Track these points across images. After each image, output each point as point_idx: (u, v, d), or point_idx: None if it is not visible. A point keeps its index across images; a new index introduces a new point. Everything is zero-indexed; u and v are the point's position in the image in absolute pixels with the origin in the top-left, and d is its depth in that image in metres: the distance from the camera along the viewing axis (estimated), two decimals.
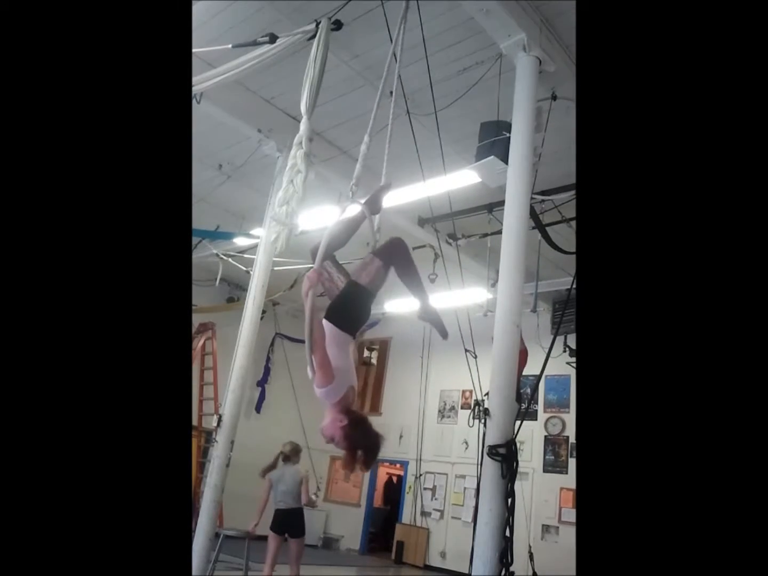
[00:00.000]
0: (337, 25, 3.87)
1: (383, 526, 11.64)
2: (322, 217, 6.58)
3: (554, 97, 4.71)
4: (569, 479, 8.72)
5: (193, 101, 4.95)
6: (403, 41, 3.46)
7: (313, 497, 5.77)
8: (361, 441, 2.47)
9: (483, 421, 3.39)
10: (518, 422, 3.42)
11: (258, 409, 11.20)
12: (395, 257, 2.79)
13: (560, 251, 5.79)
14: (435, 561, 9.85)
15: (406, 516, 10.53)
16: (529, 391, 9.02)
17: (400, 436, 11.05)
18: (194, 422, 9.03)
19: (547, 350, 3.80)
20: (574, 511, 8.21)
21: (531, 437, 9.17)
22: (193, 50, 2.84)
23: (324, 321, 2.58)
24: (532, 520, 8.73)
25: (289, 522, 5.43)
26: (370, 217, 2.97)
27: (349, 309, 2.69)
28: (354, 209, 2.92)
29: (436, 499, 10.30)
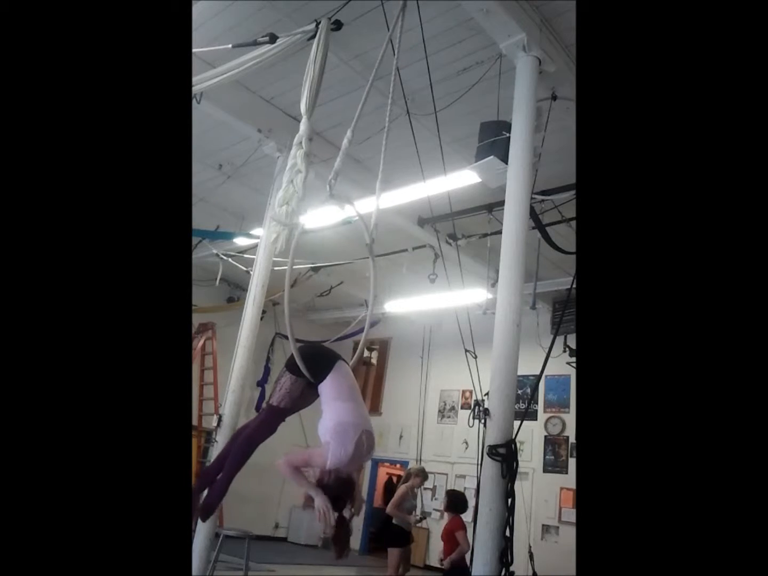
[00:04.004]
0: (337, 25, 3.86)
1: (383, 526, 11.63)
2: (322, 217, 6.57)
3: (554, 97, 4.70)
4: (569, 479, 8.72)
5: (193, 101, 4.95)
6: (402, 41, 3.44)
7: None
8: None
9: (483, 421, 3.39)
10: (518, 422, 3.42)
11: (258, 409, 11.19)
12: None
13: (560, 251, 5.78)
14: (435, 561, 9.84)
15: None
16: (529, 391, 9.04)
17: (400, 436, 11.05)
18: (194, 422, 9.03)
19: (547, 350, 3.80)
20: (574, 511, 8.21)
21: (531, 437, 9.17)
22: (193, 50, 2.84)
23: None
24: (532, 520, 8.73)
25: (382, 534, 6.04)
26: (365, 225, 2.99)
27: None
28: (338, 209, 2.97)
29: (436, 499, 10.30)
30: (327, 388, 2.66)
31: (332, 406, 2.57)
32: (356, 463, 2.50)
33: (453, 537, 5.70)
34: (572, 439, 8.94)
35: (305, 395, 2.85)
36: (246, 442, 2.85)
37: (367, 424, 2.58)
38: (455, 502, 6.12)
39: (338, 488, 2.48)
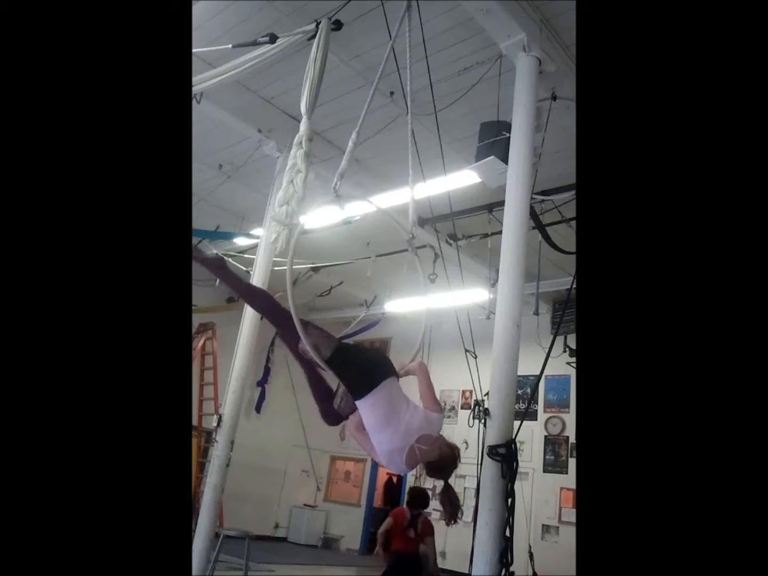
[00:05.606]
0: (337, 25, 3.86)
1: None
2: (322, 217, 6.57)
3: (554, 97, 4.70)
4: (569, 479, 8.71)
5: (193, 101, 4.95)
6: (403, 42, 3.45)
7: None
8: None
9: (483, 421, 3.39)
10: (518, 422, 3.42)
11: (258, 409, 11.19)
12: None
13: (560, 251, 5.78)
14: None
15: None
16: (529, 391, 9.04)
17: None
18: (194, 422, 9.03)
19: (547, 350, 3.80)
20: (574, 511, 8.21)
21: (531, 437, 9.16)
22: (193, 50, 2.84)
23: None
24: (532, 520, 8.72)
25: None
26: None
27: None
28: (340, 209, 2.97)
29: (436, 499, 10.30)
30: (363, 411, 2.50)
31: (372, 438, 2.52)
32: (420, 460, 2.49)
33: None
34: (572, 439, 8.94)
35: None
36: (261, 292, 2.83)
37: (416, 434, 2.43)
38: (415, 498, 6.87)
39: (441, 459, 2.54)
